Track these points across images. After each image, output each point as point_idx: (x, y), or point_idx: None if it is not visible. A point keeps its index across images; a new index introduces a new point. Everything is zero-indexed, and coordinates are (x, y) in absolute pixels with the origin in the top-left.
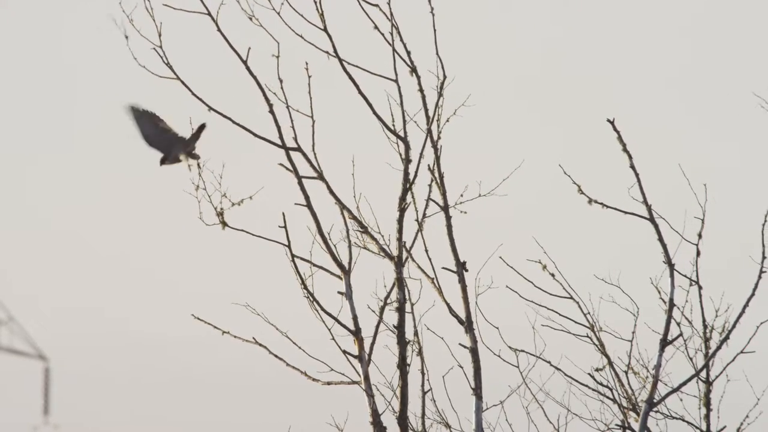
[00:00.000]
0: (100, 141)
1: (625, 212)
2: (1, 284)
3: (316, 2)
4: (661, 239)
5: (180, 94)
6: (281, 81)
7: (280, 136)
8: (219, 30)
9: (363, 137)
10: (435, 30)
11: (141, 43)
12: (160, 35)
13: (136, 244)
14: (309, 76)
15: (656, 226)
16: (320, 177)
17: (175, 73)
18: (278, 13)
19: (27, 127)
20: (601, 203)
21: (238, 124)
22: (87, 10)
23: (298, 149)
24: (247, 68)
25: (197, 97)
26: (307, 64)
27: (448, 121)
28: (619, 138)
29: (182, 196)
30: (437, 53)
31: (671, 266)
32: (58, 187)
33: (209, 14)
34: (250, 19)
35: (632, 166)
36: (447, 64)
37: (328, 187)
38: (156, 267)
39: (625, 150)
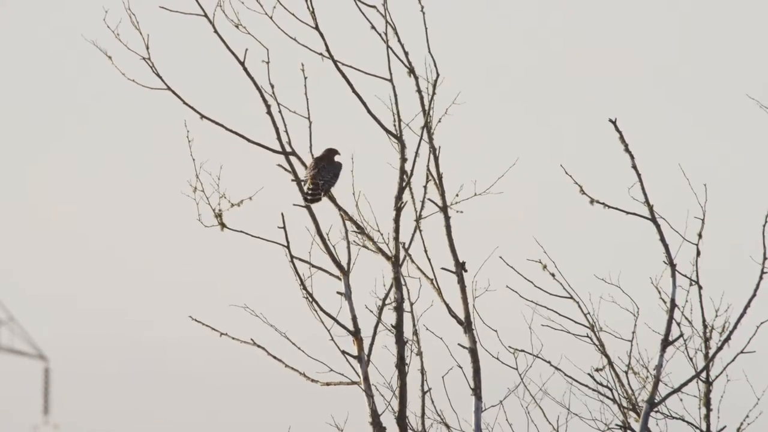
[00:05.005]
0: (100, 142)
1: (627, 212)
2: (1, 284)
3: (307, 1)
4: (662, 239)
5: (173, 99)
6: (272, 86)
7: (278, 137)
8: (216, 32)
9: (360, 139)
10: (426, 28)
11: (132, 54)
12: (147, 47)
13: (135, 246)
14: (305, 78)
15: (658, 227)
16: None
17: (165, 84)
18: (271, 18)
19: (27, 127)
20: (603, 203)
21: (231, 131)
22: (88, 11)
23: (293, 153)
24: (245, 69)
25: (189, 106)
26: (303, 65)
27: (439, 121)
28: (621, 138)
29: (181, 198)
30: (429, 51)
31: (673, 266)
32: (58, 187)
33: (206, 16)
34: (237, 27)
35: (634, 167)
36: (442, 64)
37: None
38: (155, 268)
39: (627, 150)
